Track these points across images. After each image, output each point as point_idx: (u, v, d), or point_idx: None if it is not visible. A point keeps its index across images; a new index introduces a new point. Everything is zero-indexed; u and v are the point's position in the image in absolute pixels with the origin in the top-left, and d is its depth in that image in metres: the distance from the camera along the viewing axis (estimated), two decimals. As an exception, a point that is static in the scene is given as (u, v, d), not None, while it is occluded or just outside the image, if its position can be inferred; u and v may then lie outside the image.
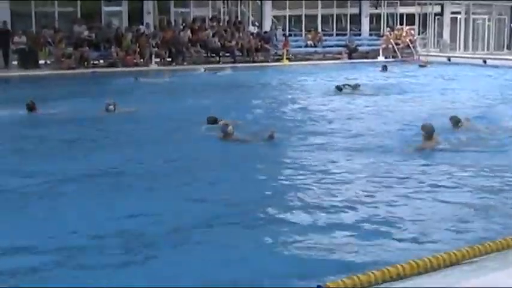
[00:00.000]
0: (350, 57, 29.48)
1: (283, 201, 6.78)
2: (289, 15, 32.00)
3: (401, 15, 35.02)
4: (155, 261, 5.08)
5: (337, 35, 32.51)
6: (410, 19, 34.92)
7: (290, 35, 30.88)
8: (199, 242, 5.53)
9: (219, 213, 6.29)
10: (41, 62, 23.30)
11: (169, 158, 8.89)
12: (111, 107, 12.26)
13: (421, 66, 26.11)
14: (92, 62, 23.67)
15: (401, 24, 33.97)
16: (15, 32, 22.92)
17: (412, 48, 31.07)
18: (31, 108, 12.39)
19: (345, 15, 33.36)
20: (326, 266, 4.91)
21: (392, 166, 8.23)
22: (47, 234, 5.58)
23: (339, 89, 16.76)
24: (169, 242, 5.53)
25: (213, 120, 10.64)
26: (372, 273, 3.79)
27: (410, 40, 31.32)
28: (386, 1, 34.12)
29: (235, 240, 5.56)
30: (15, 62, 22.92)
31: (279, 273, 4.86)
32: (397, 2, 34.45)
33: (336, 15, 33.09)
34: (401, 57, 30.11)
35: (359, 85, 17.22)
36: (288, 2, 31.15)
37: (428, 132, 9.23)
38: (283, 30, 30.94)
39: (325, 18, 32.83)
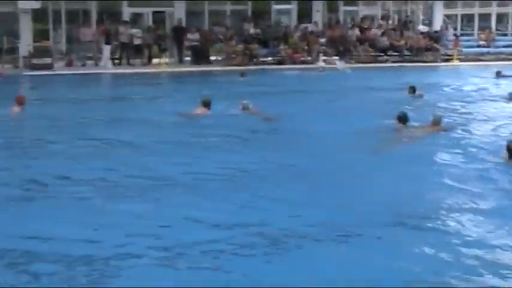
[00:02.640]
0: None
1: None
2: (461, 14, 30.65)
3: None
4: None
5: (512, 34, 30.77)
6: None
7: (462, 34, 29.59)
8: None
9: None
10: (212, 58, 24.05)
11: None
12: (248, 105, 12.04)
13: None
14: (260, 59, 24.09)
15: None
16: (189, 29, 23.84)
17: None
18: (207, 104, 12.23)
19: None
20: None
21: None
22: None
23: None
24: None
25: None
26: None
27: None
28: None
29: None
30: (188, 58, 23.89)
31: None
32: None
33: (512, 13, 31.28)
34: None
35: None
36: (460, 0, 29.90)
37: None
38: (455, 29, 29.69)
39: (500, 17, 31.10)
